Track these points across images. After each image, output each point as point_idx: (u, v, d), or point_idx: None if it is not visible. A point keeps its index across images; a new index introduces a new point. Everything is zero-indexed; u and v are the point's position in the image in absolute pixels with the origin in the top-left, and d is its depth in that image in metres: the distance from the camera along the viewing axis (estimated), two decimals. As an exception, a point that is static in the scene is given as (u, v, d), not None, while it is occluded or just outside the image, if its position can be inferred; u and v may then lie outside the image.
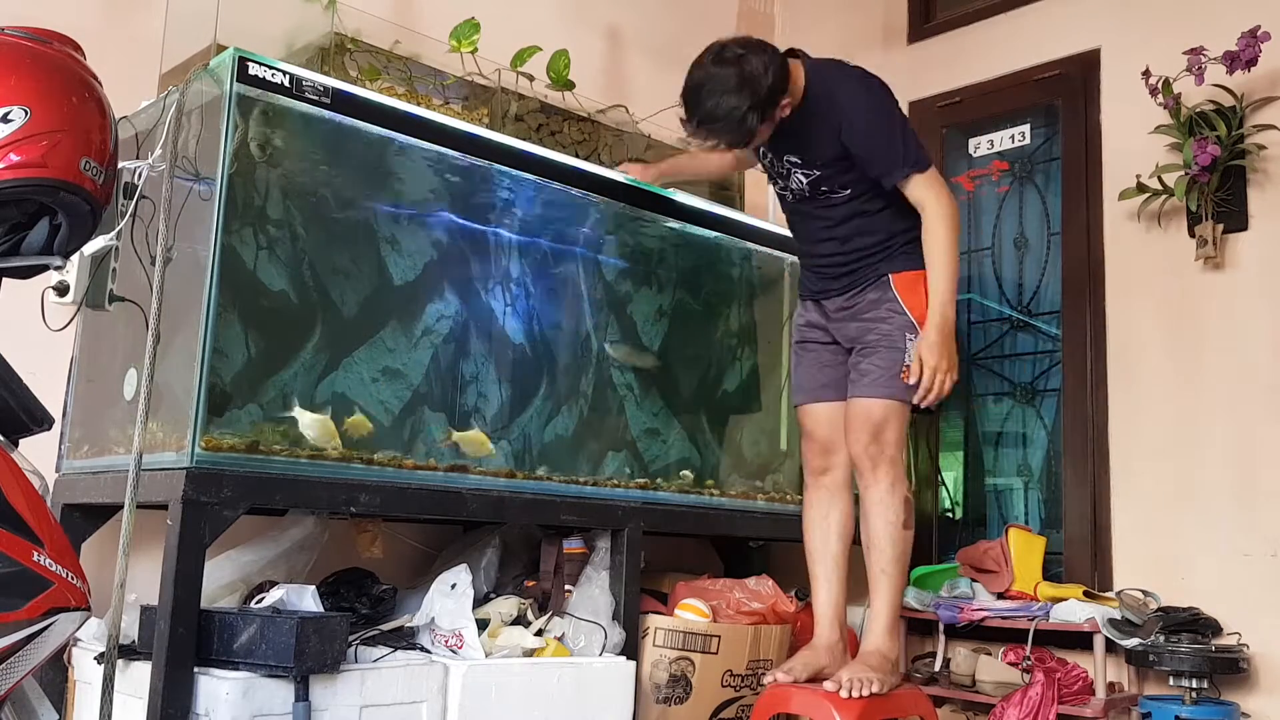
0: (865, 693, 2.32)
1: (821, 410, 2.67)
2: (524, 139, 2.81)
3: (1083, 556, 3.25)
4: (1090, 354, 3.33)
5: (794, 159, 2.57)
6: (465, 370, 2.69)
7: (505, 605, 2.54)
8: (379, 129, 2.46)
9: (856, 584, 2.63)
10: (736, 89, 2.34)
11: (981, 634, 3.11)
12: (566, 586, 2.67)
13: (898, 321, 2.54)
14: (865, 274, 2.59)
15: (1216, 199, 3.04)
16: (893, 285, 2.55)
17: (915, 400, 2.47)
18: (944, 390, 2.45)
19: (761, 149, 2.64)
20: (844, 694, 2.32)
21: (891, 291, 2.55)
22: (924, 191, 2.50)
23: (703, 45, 2.46)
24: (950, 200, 2.52)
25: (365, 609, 2.44)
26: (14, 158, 1.34)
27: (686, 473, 3.01)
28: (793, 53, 2.54)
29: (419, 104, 2.65)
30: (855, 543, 2.64)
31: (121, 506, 2.00)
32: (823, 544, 2.62)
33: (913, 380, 2.45)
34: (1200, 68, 2.98)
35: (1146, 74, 3.12)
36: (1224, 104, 3.04)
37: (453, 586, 2.39)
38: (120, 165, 1.77)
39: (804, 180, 2.57)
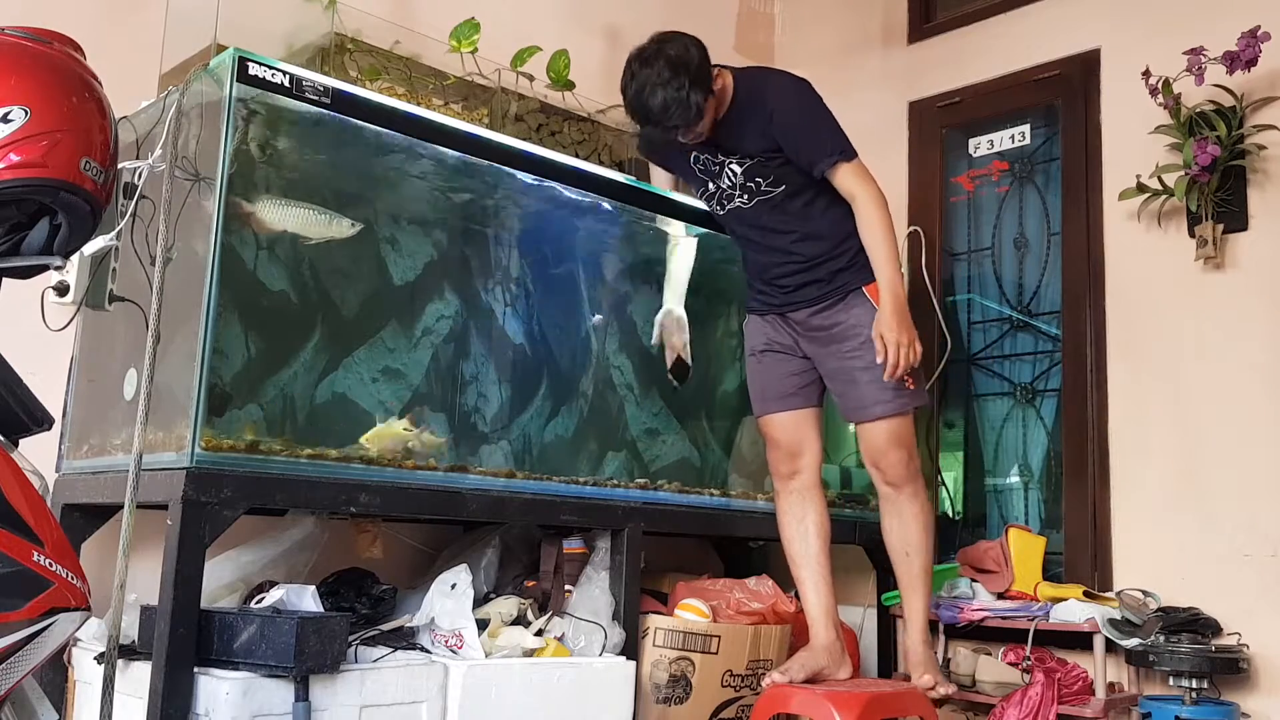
0: (949, 691, 2.63)
1: (788, 418, 2.73)
2: (524, 139, 2.80)
3: (1083, 556, 3.25)
4: (1090, 354, 3.33)
5: (725, 154, 2.64)
6: (465, 370, 2.69)
7: (505, 605, 2.54)
8: (379, 129, 2.46)
9: (853, 584, 2.65)
10: (672, 75, 2.45)
11: (981, 634, 3.11)
12: (566, 586, 2.67)
13: None
14: (829, 287, 2.63)
15: (1216, 199, 3.04)
16: (869, 297, 2.60)
17: (884, 376, 2.54)
18: (911, 361, 2.53)
19: (693, 155, 2.69)
20: (941, 691, 2.60)
21: (869, 303, 2.60)
22: (852, 180, 2.57)
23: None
24: (878, 188, 2.59)
25: (365, 609, 2.43)
26: (14, 158, 1.34)
27: (668, 483, 3.01)
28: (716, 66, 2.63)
29: (419, 104, 2.65)
30: (833, 541, 2.73)
31: (121, 506, 2.00)
32: (803, 547, 2.67)
33: (880, 360, 2.52)
34: (1200, 68, 2.98)
35: (1146, 74, 3.12)
36: (1224, 104, 3.04)
37: (453, 586, 2.39)
38: (120, 165, 1.77)
39: (737, 172, 2.62)
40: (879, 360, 2.52)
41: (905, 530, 2.70)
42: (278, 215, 2.31)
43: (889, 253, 2.55)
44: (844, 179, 2.57)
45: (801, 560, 2.67)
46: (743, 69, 2.68)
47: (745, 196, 2.65)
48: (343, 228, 2.39)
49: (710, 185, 2.72)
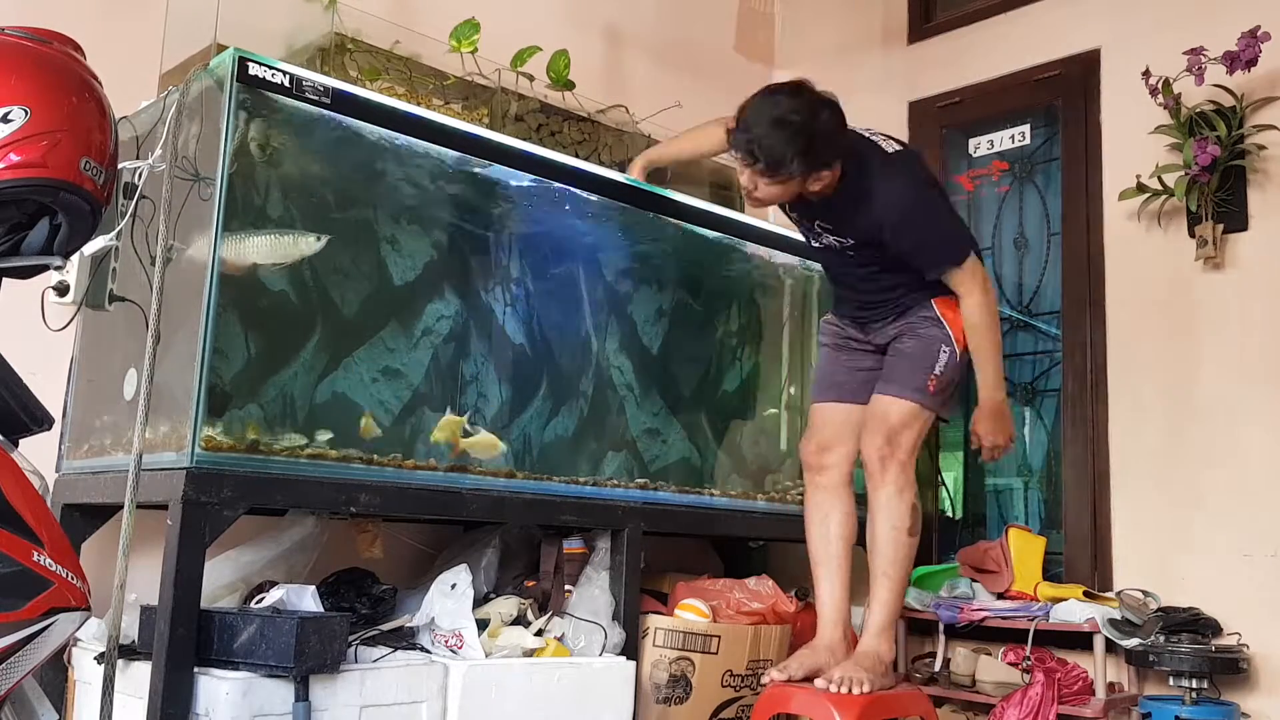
0: (856, 691, 2.35)
1: (833, 409, 2.71)
2: (524, 139, 2.80)
3: (1083, 556, 3.25)
4: (1090, 354, 3.33)
5: (827, 226, 2.58)
6: (465, 370, 2.69)
7: (505, 605, 2.54)
8: (379, 129, 2.46)
9: (853, 584, 2.64)
10: (798, 128, 2.31)
11: (981, 634, 3.11)
12: (566, 586, 2.67)
13: (937, 333, 2.57)
14: (905, 302, 2.61)
15: (1216, 199, 3.04)
16: (934, 306, 2.58)
17: (981, 460, 2.62)
18: (1001, 455, 2.63)
19: (787, 205, 2.63)
20: (834, 689, 2.35)
21: (934, 310, 2.58)
22: (964, 283, 2.54)
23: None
24: (988, 288, 2.56)
25: (365, 609, 2.44)
26: (14, 158, 1.34)
27: (665, 482, 3.01)
28: None
29: (419, 104, 2.65)
30: (859, 543, 2.66)
31: (121, 506, 2.00)
32: (823, 545, 2.65)
33: (974, 446, 2.60)
34: (1200, 68, 2.98)
35: (1146, 74, 3.12)
36: (1224, 104, 3.04)
37: (453, 586, 2.39)
38: (120, 165, 1.77)
39: (835, 244, 2.60)
40: (974, 447, 2.60)
41: (871, 522, 2.56)
42: (238, 250, 2.26)
43: (994, 356, 2.54)
44: (954, 282, 2.54)
45: (820, 558, 2.64)
46: (859, 143, 2.50)
47: (841, 247, 2.62)
48: (310, 244, 2.35)
49: (802, 226, 2.69)
